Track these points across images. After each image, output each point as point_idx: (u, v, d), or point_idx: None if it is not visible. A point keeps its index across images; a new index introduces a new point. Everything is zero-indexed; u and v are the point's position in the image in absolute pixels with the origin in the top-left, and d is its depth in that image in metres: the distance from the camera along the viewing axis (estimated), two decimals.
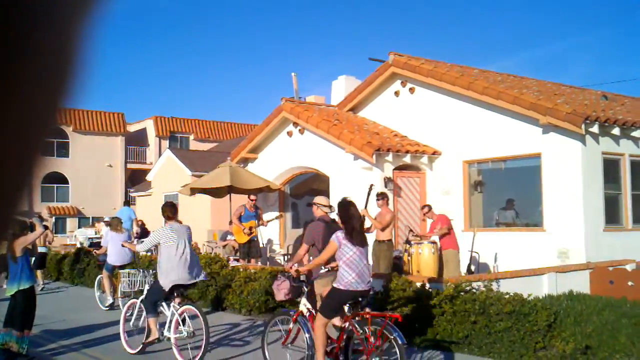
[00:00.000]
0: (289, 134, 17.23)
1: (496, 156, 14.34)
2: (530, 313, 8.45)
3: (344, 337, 6.94)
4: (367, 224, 13.30)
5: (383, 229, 12.62)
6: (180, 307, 8.45)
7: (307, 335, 7.20)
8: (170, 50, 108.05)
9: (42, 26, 0.45)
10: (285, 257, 17.06)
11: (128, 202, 22.06)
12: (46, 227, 10.78)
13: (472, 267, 13.29)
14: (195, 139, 46.36)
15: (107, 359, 8.97)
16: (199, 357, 7.85)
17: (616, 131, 13.29)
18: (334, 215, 8.25)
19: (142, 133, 46.42)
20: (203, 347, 7.91)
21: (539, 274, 11.35)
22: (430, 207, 13.11)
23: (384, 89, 16.97)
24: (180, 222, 8.98)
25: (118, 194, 42.19)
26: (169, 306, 8.59)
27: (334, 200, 15.50)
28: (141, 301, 9.03)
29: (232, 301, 12.71)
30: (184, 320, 8.41)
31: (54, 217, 39.03)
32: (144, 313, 8.74)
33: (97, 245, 19.71)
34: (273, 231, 18.03)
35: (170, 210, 8.90)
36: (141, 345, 8.70)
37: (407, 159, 15.02)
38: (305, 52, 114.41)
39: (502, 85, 14.68)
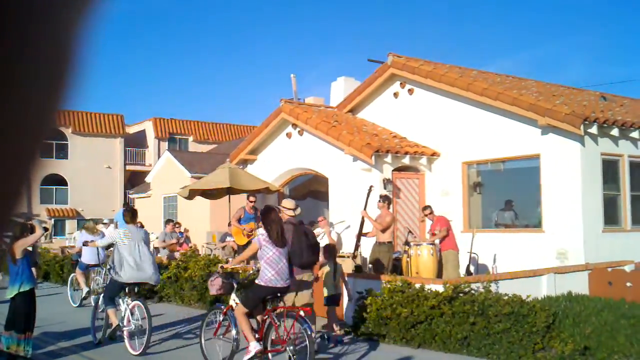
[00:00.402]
0: (288, 135, 17.23)
1: (495, 157, 14.35)
2: (529, 314, 8.45)
3: (265, 328, 7.78)
4: (368, 227, 13.35)
5: (383, 231, 12.63)
6: (131, 302, 9.33)
7: (234, 330, 7.96)
8: (169, 51, 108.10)
9: (40, 27, 0.45)
10: None
11: (127, 204, 22.07)
12: (46, 229, 10.86)
13: (471, 268, 13.30)
14: (195, 141, 46.36)
15: None
16: (143, 346, 8.87)
17: (615, 132, 13.30)
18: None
19: (141, 135, 46.41)
20: (146, 338, 8.90)
21: (537, 275, 11.35)
22: (431, 209, 13.11)
23: (383, 90, 16.97)
24: (140, 226, 9.97)
25: (117, 195, 42.19)
26: (123, 301, 9.50)
27: (334, 202, 15.55)
28: (102, 296, 10.05)
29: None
30: (133, 314, 9.26)
31: (52, 219, 39.01)
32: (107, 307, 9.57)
33: None
34: None
35: (128, 214, 9.73)
36: (107, 334, 9.68)
37: (406, 160, 15.02)
38: (304, 54, 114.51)
39: (501, 86, 14.69)
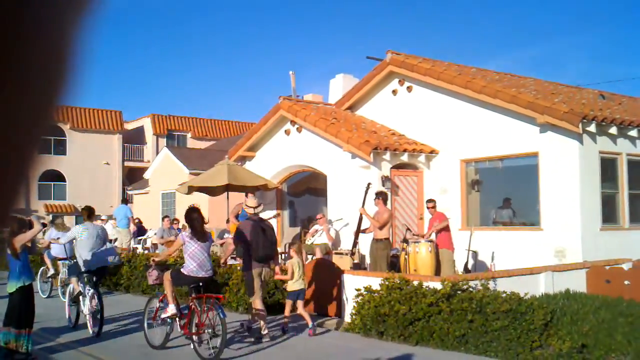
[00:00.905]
0: (287, 132, 17.23)
1: (493, 155, 14.35)
2: (527, 312, 8.47)
3: (190, 313, 8.86)
4: (366, 224, 13.37)
5: (381, 228, 12.64)
6: (90, 289, 10.59)
7: (167, 314, 9.10)
8: (168, 48, 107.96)
9: (38, 24, 0.45)
10: (283, 255, 17.06)
11: (126, 200, 22.05)
12: (44, 225, 11.00)
13: (469, 266, 13.31)
14: (193, 137, 46.33)
15: (106, 357, 8.98)
16: (97, 329, 10.25)
17: (613, 130, 13.31)
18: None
19: (140, 131, 46.37)
20: (99, 323, 10.27)
21: (535, 273, 11.37)
22: (435, 203, 13.14)
23: (382, 88, 16.97)
24: (95, 223, 11.47)
25: (115, 192, 42.17)
26: (84, 288, 10.76)
27: (332, 199, 15.55)
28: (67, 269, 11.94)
29: (229, 299, 12.71)
30: (92, 298, 10.50)
31: (51, 215, 38.99)
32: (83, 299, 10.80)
33: None
34: None
35: (86, 213, 11.04)
36: (71, 298, 11.12)
37: (405, 158, 15.02)
38: (303, 51, 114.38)
39: (499, 84, 14.69)
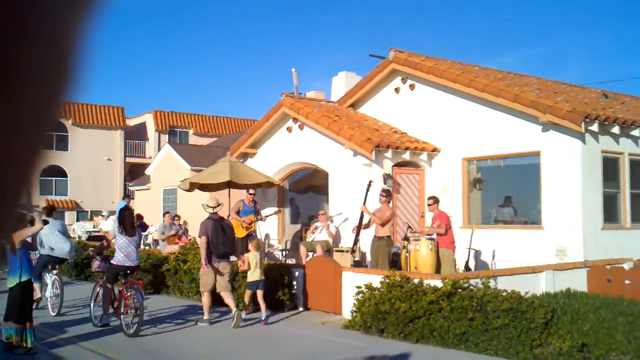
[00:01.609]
0: (289, 129, 17.22)
1: (496, 154, 14.33)
2: (528, 310, 8.47)
3: (120, 296, 10.29)
4: (366, 220, 13.35)
5: (383, 225, 12.64)
6: (53, 275, 12.19)
7: (101, 298, 10.79)
8: (170, 44, 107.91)
9: (43, 18, 0.44)
10: (284, 252, 17.07)
11: (128, 196, 22.03)
12: (45, 222, 11.10)
13: (470, 264, 13.30)
14: (195, 134, 46.34)
15: (101, 351, 9.00)
16: (57, 311, 11.87)
17: (616, 130, 13.29)
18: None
19: (142, 127, 46.39)
20: (59, 305, 11.91)
21: (536, 271, 11.37)
22: (436, 200, 12.85)
23: (385, 86, 16.95)
24: (55, 219, 12.54)
25: (117, 187, 42.20)
26: (48, 274, 12.40)
27: (334, 197, 15.54)
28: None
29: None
30: (54, 285, 12.10)
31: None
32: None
33: (95, 238, 19.77)
34: (271, 226, 18.03)
35: (45, 210, 12.28)
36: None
37: (407, 156, 15.01)
38: (306, 48, 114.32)
39: (502, 83, 14.66)
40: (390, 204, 13.38)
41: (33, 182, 0.50)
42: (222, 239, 10.75)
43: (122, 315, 10.06)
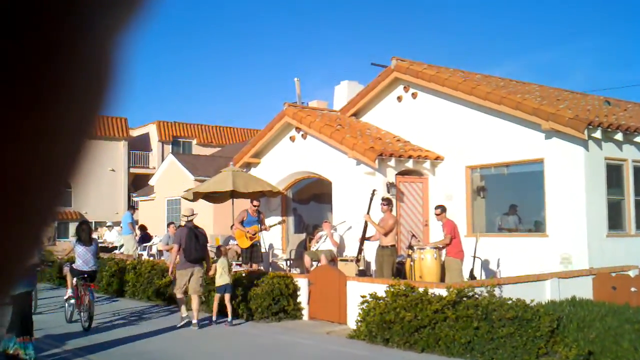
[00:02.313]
0: (292, 138, 17.24)
1: (499, 161, 14.32)
2: (533, 319, 8.44)
3: (78, 296, 11.82)
4: (371, 231, 13.34)
5: (386, 234, 12.62)
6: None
7: (66, 296, 12.77)
8: (173, 55, 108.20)
9: (83, 30, 0.44)
10: (288, 262, 17.05)
11: (132, 207, 22.03)
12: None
13: (475, 273, 13.27)
14: (198, 144, 46.39)
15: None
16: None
17: (619, 137, 13.27)
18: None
19: (145, 138, 46.47)
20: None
21: (541, 279, 11.33)
22: (443, 209, 12.72)
23: (387, 94, 16.97)
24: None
25: (121, 198, 42.23)
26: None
27: (337, 206, 15.54)
28: None
29: (233, 306, 12.71)
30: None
31: (56, 222, 39.04)
32: None
33: (101, 249, 19.79)
34: (275, 236, 18.02)
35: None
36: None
37: (410, 164, 15.01)
38: (308, 57, 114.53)
39: (504, 91, 14.67)
40: (393, 212, 13.37)
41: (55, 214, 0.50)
42: (195, 245, 11.80)
43: (82, 312, 11.69)
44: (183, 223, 12.36)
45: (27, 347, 8.56)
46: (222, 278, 11.93)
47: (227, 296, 11.88)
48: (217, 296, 12.05)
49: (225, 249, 13.03)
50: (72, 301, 12.30)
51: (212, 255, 13.25)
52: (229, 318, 11.80)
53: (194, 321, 11.55)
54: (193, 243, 11.75)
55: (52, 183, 0.47)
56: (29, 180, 0.45)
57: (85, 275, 11.76)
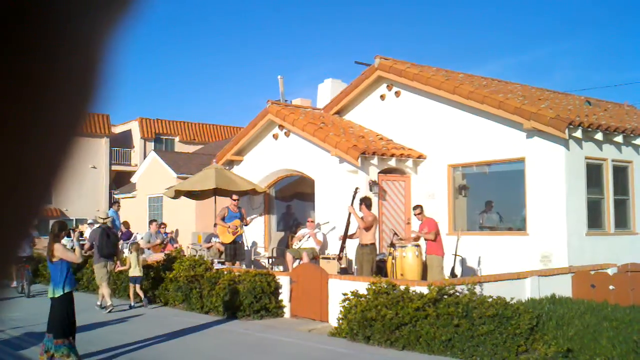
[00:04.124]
0: (275, 136, 17.22)
1: (481, 160, 14.40)
2: (513, 316, 8.50)
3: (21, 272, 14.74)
4: (353, 228, 13.36)
5: (367, 229, 12.64)
6: None
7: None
8: (156, 51, 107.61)
9: (68, 28, 0.44)
10: (270, 259, 17.04)
11: (116, 202, 21.83)
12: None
13: (456, 271, 13.34)
14: (181, 141, 46.18)
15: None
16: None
17: (599, 136, 13.40)
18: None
19: (127, 134, 46.18)
20: None
21: (521, 277, 11.42)
22: (422, 209, 13.04)
23: (370, 93, 17.00)
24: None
25: (102, 195, 41.94)
26: None
27: (320, 204, 15.54)
28: None
29: (215, 304, 12.68)
30: None
31: (38, 220, 38.68)
32: None
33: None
34: (258, 234, 18.00)
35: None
36: None
37: (393, 163, 15.05)
38: (292, 55, 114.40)
39: (487, 90, 14.75)
40: (375, 210, 13.40)
41: (41, 211, 0.50)
42: (106, 243, 13.76)
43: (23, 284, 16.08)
44: (99, 224, 14.53)
45: (68, 349, 8.30)
46: (135, 270, 14.06)
47: (138, 286, 14.14)
48: (131, 286, 14.23)
49: (138, 246, 14.83)
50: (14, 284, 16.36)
51: (126, 252, 15.54)
52: (145, 300, 14.05)
53: (102, 303, 13.62)
54: (105, 241, 13.71)
55: (40, 181, 0.48)
56: (17, 177, 0.45)
57: (24, 259, 15.56)
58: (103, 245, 13.73)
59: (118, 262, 14.20)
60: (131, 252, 14.44)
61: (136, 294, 14.19)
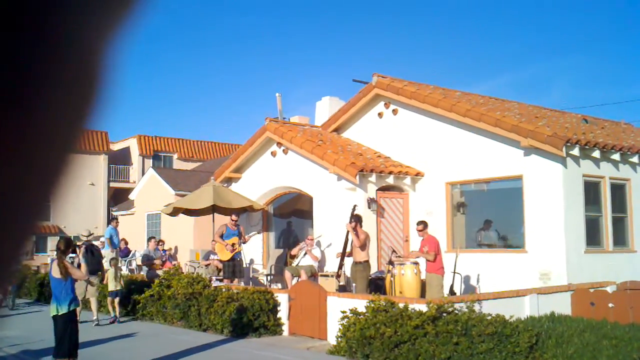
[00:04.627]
0: (273, 154, 17.25)
1: (478, 178, 14.43)
2: (512, 334, 8.49)
3: None
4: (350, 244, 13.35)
5: (361, 247, 12.65)
6: None
7: None
8: (154, 69, 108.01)
9: (66, 41, 0.44)
10: (269, 277, 17.00)
11: (115, 219, 21.74)
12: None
13: (455, 288, 13.31)
14: (179, 158, 46.20)
15: None
16: None
17: (596, 154, 13.45)
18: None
19: (126, 152, 46.20)
20: None
21: (520, 295, 11.40)
22: (425, 225, 12.65)
23: (368, 110, 17.07)
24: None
25: (100, 212, 41.87)
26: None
27: (318, 221, 15.54)
28: None
29: (214, 321, 12.63)
30: None
31: (34, 236, 38.57)
32: None
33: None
34: (256, 251, 17.97)
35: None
36: None
37: (391, 180, 15.08)
38: (290, 73, 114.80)
39: (484, 108, 14.82)
40: (372, 228, 13.42)
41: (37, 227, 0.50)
42: (91, 260, 14.04)
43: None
44: (82, 241, 15.01)
45: None
46: (112, 284, 14.70)
47: (117, 300, 14.71)
48: (109, 299, 14.82)
49: (116, 262, 15.47)
50: None
51: (107, 267, 15.49)
52: (117, 316, 14.58)
53: (94, 318, 14.20)
54: (89, 258, 13.99)
55: (34, 196, 0.47)
56: (10, 192, 0.45)
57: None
58: (87, 261, 13.99)
59: (105, 277, 15.06)
60: (111, 267, 14.98)
61: (114, 308, 14.79)
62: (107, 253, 20.13)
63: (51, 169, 0.48)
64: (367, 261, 12.83)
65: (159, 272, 16.33)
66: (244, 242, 15.89)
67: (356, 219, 12.99)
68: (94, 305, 14.46)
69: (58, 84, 0.45)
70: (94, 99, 0.48)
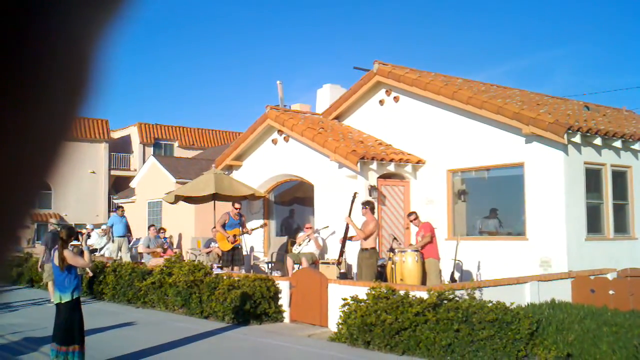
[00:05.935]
0: (274, 141, 17.24)
1: (480, 165, 14.42)
2: (513, 321, 8.50)
3: None
4: (351, 232, 13.37)
5: (366, 238, 12.65)
6: None
7: None
8: (155, 56, 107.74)
9: (59, 31, 0.44)
10: (270, 264, 17.03)
11: (119, 207, 21.71)
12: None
13: (456, 276, 13.35)
14: (180, 146, 46.20)
15: None
16: None
17: (598, 141, 13.42)
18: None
19: (126, 140, 46.19)
20: None
21: (521, 282, 11.42)
22: (416, 215, 13.13)
23: (369, 98, 17.03)
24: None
25: (101, 200, 41.91)
26: None
27: (319, 209, 15.54)
28: None
29: (215, 309, 12.68)
30: None
31: (36, 224, 38.67)
32: None
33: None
34: (257, 239, 18.00)
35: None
36: None
37: (392, 168, 15.06)
38: (291, 60, 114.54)
39: (485, 95, 14.78)
40: (375, 215, 13.40)
41: (33, 210, 0.50)
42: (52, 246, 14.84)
43: None
44: (51, 229, 15.95)
45: (59, 355, 8.14)
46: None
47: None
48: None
49: (80, 248, 16.47)
50: None
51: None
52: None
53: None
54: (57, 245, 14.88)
55: (28, 183, 0.47)
56: (4, 181, 0.45)
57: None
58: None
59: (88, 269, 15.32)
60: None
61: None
62: (97, 241, 20.27)
63: (45, 157, 0.47)
64: (374, 248, 12.79)
65: (160, 260, 16.35)
66: (247, 234, 15.86)
67: (368, 205, 12.99)
68: (51, 287, 14.62)
69: (50, 73, 0.45)
70: (87, 87, 0.48)
